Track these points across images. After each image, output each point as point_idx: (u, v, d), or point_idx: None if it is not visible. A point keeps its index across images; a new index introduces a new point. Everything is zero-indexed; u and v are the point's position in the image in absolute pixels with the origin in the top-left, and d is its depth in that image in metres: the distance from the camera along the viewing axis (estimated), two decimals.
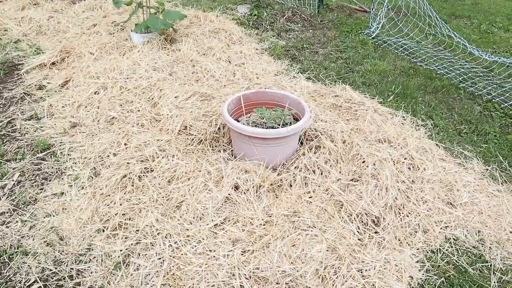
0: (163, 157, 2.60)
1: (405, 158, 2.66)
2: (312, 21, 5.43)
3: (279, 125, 2.66)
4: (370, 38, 4.96)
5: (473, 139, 3.22)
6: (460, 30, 5.46)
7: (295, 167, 2.55)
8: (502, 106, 3.63)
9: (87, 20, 4.81)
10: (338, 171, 2.52)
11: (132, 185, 2.45)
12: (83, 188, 2.51)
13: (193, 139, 2.80)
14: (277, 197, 2.39)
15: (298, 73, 4.04)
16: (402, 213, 2.35)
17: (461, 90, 3.90)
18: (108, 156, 2.71)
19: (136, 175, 2.48)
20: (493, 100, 3.71)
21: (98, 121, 3.10)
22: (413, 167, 2.65)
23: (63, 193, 2.48)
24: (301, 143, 2.75)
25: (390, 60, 4.45)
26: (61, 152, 2.82)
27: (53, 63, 3.88)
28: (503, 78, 4.03)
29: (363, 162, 2.54)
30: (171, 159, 2.59)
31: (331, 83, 3.83)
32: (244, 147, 2.53)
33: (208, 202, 2.27)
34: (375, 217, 2.28)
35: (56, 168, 2.69)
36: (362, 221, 2.27)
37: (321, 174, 2.52)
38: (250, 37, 4.74)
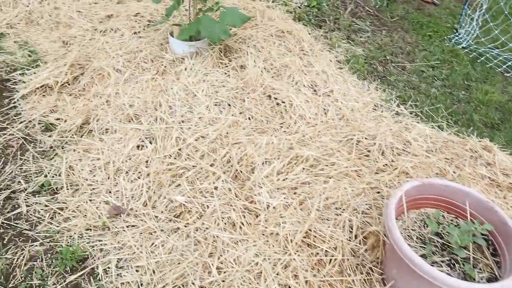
0: None
1: None
2: (380, 17, 4.30)
3: (468, 249, 1.67)
4: (460, 47, 3.93)
5: None
6: None
7: None
8: None
9: (96, 6, 3.48)
10: None
11: None
12: None
13: (321, 260, 1.77)
14: None
15: (397, 104, 3.00)
16: None
17: None
18: None
19: None
20: None
21: (153, 206, 1.99)
22: None
23: None
24: None
25: (499, 84, 3.48)
26: (106, 270, 1.73)
27: (62, 84, 2.63)
28: None
29: None
30: None
31: (448, 125, 2.83)
32: None
33: None
34: None
35: None
36: None
37: None
38: (317, 40, 3.60)
